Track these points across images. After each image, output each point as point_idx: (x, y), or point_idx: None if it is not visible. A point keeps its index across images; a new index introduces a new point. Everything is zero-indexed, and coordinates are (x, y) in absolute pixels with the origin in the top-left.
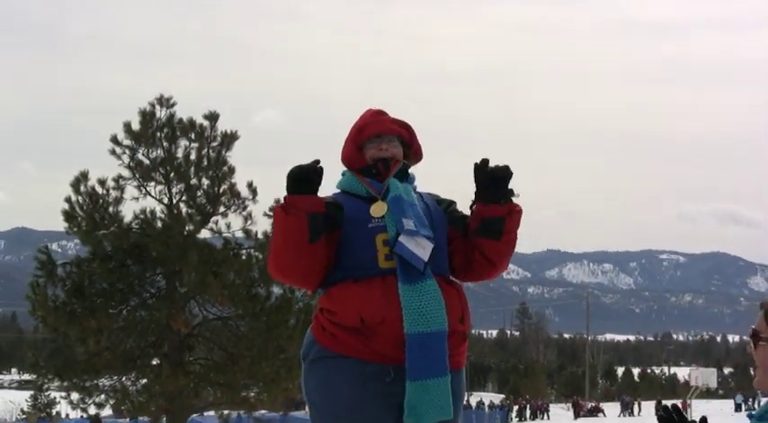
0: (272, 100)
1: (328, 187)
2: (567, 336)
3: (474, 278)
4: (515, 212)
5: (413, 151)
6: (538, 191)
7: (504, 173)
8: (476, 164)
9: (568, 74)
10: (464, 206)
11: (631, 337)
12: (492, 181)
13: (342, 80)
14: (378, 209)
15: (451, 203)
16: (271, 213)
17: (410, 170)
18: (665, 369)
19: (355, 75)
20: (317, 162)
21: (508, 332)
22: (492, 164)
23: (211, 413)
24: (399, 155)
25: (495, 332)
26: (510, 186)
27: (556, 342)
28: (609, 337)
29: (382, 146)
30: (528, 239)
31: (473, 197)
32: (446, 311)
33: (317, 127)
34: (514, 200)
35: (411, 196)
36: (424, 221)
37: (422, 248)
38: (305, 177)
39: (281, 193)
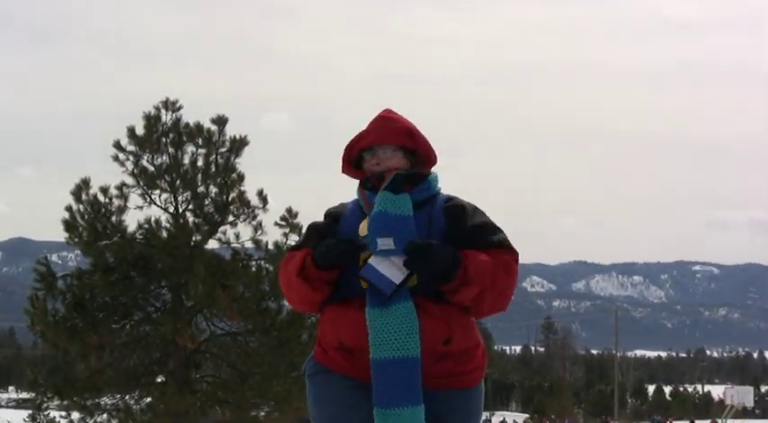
0: (282, 103)
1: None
2: (594, 352)
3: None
4: (465, 289)
5: (420, 157)
6: (561, 198)
7: (418, 253)
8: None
9: (590, 74)
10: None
11: (663, 354)
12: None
13: (355, 81)
14: (363, 227)
15: (464, 226)
16: (282, 223)
17: (432, 174)
18: (699, 387)
19: (369, 76)
20: (353, 244)
21: (533, 348)
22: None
23: None
24: (397, 166)
25: (518, 348)
26: (442, 258)
27: (583, 358)
28: (639, 353)
29: (373, 160)
30: (553, 250)
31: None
32: (421, 335)
33: (329, 131)
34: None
35: (404, 208)
36: (412, 237)
37: (397, 269)
38: (337, 260)
39: (292, 200)
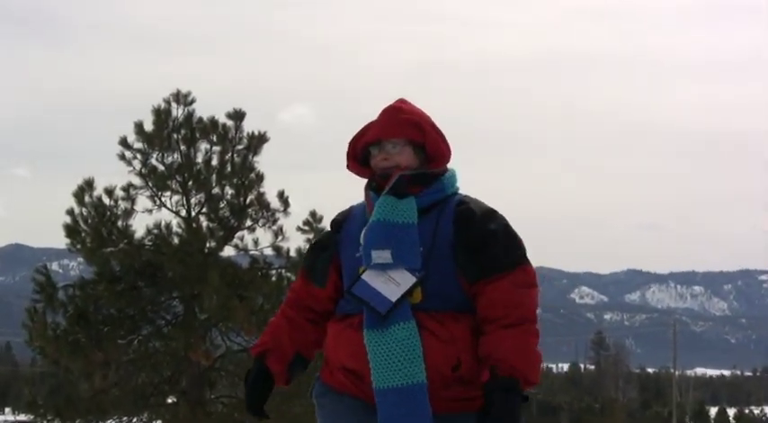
0: (305, 95)
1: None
2: (650, 370)
3: None
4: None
5: (429, 153)
6: (613, 201)
7: None
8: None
9: (648, 64)
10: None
11: (726, 372)
12: None
13: (382, 71)
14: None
15: (473, 235)
16: (305, 228)
17: (449, 172)
18: (766, 409)
19: (397, 65)
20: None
21: (582, 366)
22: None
23: None
24: (405, 162)
25: (565, 366)
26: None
27: (637, 377)
28: (699, 371)
29: (380, 155)
30: (604, 258)
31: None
32: (426, 360)
33: (357, 126)
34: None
35: (406, 215)
36: (413, 249)
37: (394, 285)
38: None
39: (316, 202)
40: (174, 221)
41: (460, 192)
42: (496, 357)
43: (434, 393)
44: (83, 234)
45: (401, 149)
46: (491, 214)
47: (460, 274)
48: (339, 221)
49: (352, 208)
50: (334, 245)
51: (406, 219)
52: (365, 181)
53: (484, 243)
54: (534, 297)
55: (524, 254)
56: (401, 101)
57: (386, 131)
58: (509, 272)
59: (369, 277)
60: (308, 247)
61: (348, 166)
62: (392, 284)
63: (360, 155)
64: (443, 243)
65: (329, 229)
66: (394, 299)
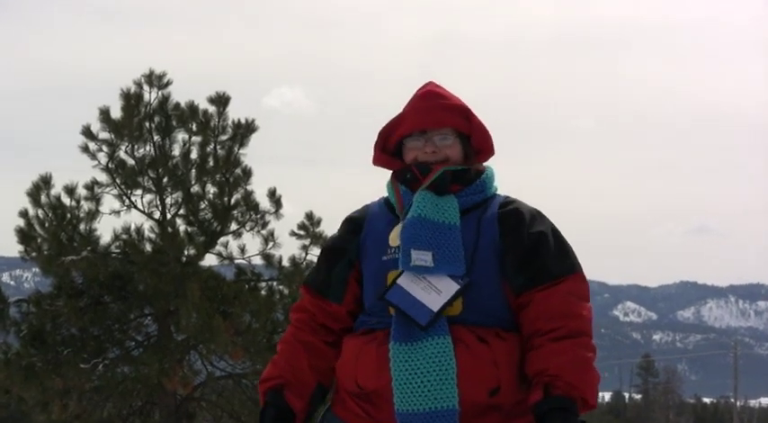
0: (297, 77)
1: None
2: (707, 400)
3: None
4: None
5: (474, 145)
6: (664, 203)
7: None
8: None
9: (705, 38)
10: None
11: None
12: None
13: (393, 47)
14: (395, 235)
15: (521, 238)
16: (300, 232)
17: (488, 170)
18: None
19: (412, 40)
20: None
21: (626, 395)
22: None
23: None
24: (455, 156)
25: (607, 395)
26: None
27: (692, 408)
28: (765, 401)
29: (427, 148)
30: (654, 269)
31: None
32: (460, 381)
33: (358, 113)
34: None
35: (448, 215)
36: (456, 253)
37: (435, 293)
38: None
39: (313, 202)
40: (147, 225)
41: (498, 192)
42: (551, 373)
43: (466, 422)
44: (39, 240)
45: (452, 142)
46: (540, 217)
47: (505, 283)
48: (358, 220)
49: (368, 206)
50: (355, 249)
51: (448, 219)
52: (366, 178)
53: (534, 248)
54: (590, 310)
55: (578, 261)
56: (434, 84)
57: (431, 120)
58: (564, 279)
59: (406, 283)
60: (304, 253)
61: (375, 161)
62: (433, 292)
63: (392, 147)
64: (487, 249)
65: (343, 229)
66: (436, 308)
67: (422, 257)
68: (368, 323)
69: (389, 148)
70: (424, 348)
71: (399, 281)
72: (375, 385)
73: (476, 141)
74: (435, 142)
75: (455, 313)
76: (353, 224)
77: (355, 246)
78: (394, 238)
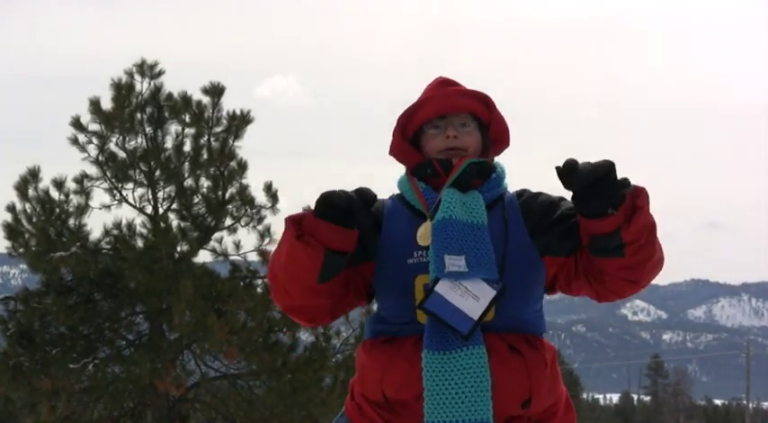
0: (293, 66)
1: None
2: (718, 402)
3: (608, 298)
4: (637, 212)
5: (493, 136)
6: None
7: (605, 171)
8: (558, 169)
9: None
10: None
11: None
12: (589, 187)
13: (392, 36)
14: (425, 235)
15: (552, 218)
16: None
17: (498, 164)
18: None
19: (403, 30)
20: (372, 195)
21: (635, 396)
22: (582, 161)
23: None
24: (474, 146)
25: (615, 396)
26: (618, 179)
27: (703, 410)
28: None
29: (449, 131)
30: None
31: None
32: (493, 394)
33: (356, 103)
34: (630, 189)
35: (476, 214)
36: (488, 255)
37: (472, 299)
38: (344, 206)
39: (310, 196)
40: (138, 220)
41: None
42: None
43: None
44: (26, 235)
45: (472, 129)
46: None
47: (547, 255)
48: (376, 215)
49: (391, 198)
50: (369, 251)
51: (476, 219)
52: (386, 172)
53: (569, 209)
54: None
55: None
56: (447, 79)
57: (452, 105)
58: (612, 213)
59: (444, 290)
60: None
61: (392, 150)
62: (470, 298)
63: (410, 135)
64: (517, 251)
65: (364, 214)
66: (476, 316)
67: (456, 263)
68: (389, 331)
69: (407, 136)
70: (458, 358)
71: (438, 289)
72: (403, 395)
73: (494, 131)
74: (456, 127)
75: (489, 320)
76: (373, 218)
77: (373, 246)
78: (424, 236)
